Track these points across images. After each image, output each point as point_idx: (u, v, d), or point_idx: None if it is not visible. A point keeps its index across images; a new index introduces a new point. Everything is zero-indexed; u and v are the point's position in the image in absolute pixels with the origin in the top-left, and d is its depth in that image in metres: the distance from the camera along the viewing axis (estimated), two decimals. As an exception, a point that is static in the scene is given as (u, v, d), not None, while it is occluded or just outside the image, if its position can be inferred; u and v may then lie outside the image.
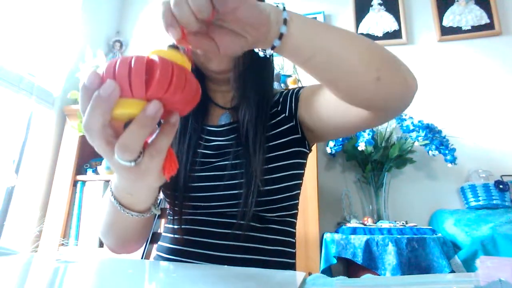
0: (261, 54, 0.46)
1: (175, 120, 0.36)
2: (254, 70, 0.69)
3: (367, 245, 1.35)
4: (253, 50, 0.67)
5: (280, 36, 0.42)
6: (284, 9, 0.42)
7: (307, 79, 2.03)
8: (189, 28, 0.36)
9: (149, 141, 0.37)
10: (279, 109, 0.71)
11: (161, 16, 0.36)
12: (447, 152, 1.63)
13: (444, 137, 1.69)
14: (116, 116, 0.33)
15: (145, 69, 0.31)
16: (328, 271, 1.44)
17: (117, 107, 0.32)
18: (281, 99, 0.72)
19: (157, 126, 0.36)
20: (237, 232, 0.62)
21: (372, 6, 2.15)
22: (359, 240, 1.36)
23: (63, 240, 1.62)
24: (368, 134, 1.64)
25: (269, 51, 0.44)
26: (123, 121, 0.35)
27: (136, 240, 0.61)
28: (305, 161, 0.71)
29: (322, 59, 0.44)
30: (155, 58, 0.32)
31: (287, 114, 0.69)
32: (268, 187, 0.62)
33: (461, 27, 1.99)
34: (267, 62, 0.74)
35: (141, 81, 0.31)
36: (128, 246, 0.61)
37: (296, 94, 0.70)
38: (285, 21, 0.41)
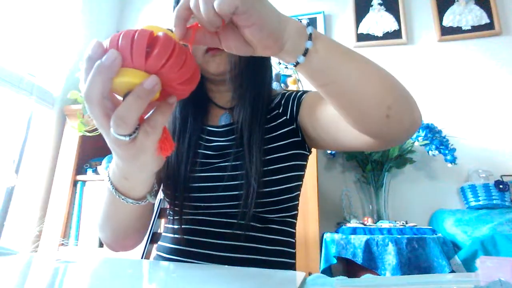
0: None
1: (173, 100, 0.37)
2: (252, 71, 0.69)
3: (367, 245, 1.35)
4: None
5: (296, 64, 0.41)
6: (309, 37, 0.40)
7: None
8: (207, 27, 0.36)
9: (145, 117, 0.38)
10: (280, 111, 0.70)
11: (176, 10, 0.36)
12: (447, 152, 1.63)
13: (444, 137, 1.69)
14: (116, 84, 0.34)
15: (149, 42, 0.33)
16: (328, 271, 1.44)
17: (117, 75, 0.34)
18: (282, 101, 0.71)
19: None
20: (237, 232, 0.62)
21: (372, 6, 2.15)
22: (359, 240, 1.36)
23: (63, 240, 1.62)
24: (368, 134, 1.64)
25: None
26: (123, 92, 0.36)
27: (132, 234, 0.59)
28: (305, 162, 0.71)
29: (339, 87, 0.44)
30: (160, 34, 0.34)
31: (288, 117, 0.69)
32: (268, 189, 0.62)
33: (461, 27, 1.99)
34: (265, 63, 0.73)
35: (142, 51, 0.33)
36: (124, 240, 0.60)
37: (298, 98, 0.70)
38: (306, 52, 0.40)
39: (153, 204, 0.56)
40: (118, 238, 0.59)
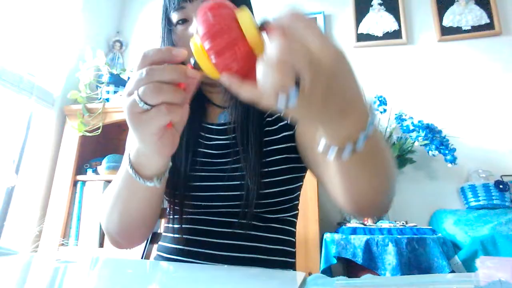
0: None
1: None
2: None
3: (367, 245, 1.35)
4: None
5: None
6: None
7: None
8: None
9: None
10: (282, 114, 0.70)
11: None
12: (447, 152, 1.63)
13: (444, 137, 1.68)
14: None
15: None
16: (328, 271, 1.44)
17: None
18: None
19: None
20: (237, 231, 0.62)
21: (372, 6, 2.15)
22: (359, 240, 1.36)
23: (63, 240, 1.62)
24: (368, 134, 1.64)
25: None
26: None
27: (139, 224, 0.59)
28: (305, 164, 0.70)
29: (351, 181, 0.43)
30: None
31: (288, 122, 0.68)
32: (269, 190, 0.62)
33: (461, 27, 1.99)
34: None
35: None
36: (130, 230, 0.59)
37: None
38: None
39: (162, 197, 0.56)
40: (125, 226, 0.58)
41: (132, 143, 0.48)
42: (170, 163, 0.53)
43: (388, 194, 0.47)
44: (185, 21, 0.65)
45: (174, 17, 0.66)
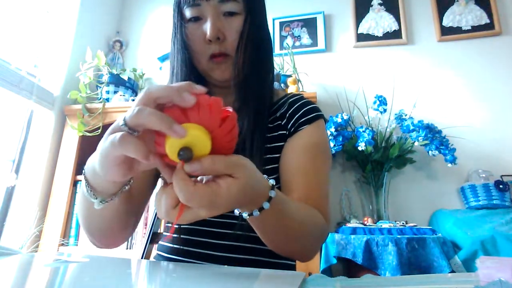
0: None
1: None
2: (255, 76, 0.67)
3: (367, 245, 1.35)
4: (256, 55, 0.67)
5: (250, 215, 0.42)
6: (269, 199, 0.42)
7: (307, 79, 2.03)
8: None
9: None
10: (282, 123, 0.69)
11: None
12: (447, 152, 1.63)
13: (444, 137, 1.69)
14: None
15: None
16: (328, 271, 1.44)
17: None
18: (287, 114, 0.70)
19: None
20: (237, 232, 0.62)
21: (372, 6, 2.15)
22: (359, 240, 1.36)
23: (63, 240, 1.62)
24: (368, 134, 1.64)
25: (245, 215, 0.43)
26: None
27: (109, 235, 0.56)
28: None
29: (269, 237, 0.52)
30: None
31: (287, 133, 0.68)
32: None
33: (461, 27, 1.99)
34: (268, 65, 0.72)
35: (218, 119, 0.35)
36: (102, 238, 0.56)
37: (299, 125, 0.68)
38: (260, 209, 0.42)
39: (124, 211, 0.53)
40: (95, 237, 0.56)
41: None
42: (126, 187, 0.46)
43: (299, 249, 0.56)
44: (197, 19, 0.64)
45: (187, 13, 0.64)
